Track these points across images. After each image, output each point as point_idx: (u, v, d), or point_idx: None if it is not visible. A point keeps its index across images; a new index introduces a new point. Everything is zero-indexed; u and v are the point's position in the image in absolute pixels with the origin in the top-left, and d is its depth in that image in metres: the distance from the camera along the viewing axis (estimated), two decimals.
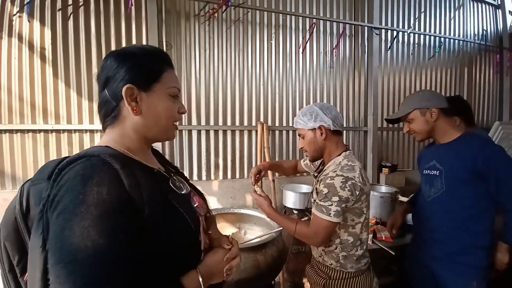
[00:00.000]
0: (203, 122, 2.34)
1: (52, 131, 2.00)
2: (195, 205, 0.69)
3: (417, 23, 3.04)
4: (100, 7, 2.05)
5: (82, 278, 0.43)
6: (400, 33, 2.93)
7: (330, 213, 1.00)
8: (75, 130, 2.04)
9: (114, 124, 0.64)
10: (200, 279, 0.60)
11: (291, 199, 2.27)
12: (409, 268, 1.48)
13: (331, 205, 1.01)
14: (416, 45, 3.04)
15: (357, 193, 1.03)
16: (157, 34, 2.12)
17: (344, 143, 1.22)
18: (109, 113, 0.63)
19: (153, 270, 0.54)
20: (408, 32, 2.91)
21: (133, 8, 2.07)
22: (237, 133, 2.45)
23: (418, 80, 3.10)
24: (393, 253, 1.73)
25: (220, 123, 2.40)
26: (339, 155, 1.14)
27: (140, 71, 0.62)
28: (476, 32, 3.37)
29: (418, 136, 1.35)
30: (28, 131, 1.95)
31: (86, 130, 2.06)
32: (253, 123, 2.48)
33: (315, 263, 1.24)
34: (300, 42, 2.56)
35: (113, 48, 2.09)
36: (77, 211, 0.46)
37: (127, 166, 0.55)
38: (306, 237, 1.09)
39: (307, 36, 2.55)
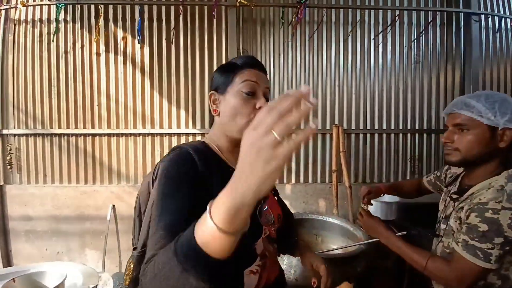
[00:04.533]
0: None
1: (148, 134, 2.29)
2: (265, 210, 0.74)
3: None
4: (187, 23, 2.27)
5: (157, 218, 0.58)
6: (504, 20, 2.42)
7: (491, 259, 0.77)
8: (165, 134, 2.30)
9: (213, 125, 0.79)
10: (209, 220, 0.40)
11: (371, 209, 2.08)
12: None
13: (492, 248, 0.77)
14: None
15: None
16: (236, 42, 2.23)
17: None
18: (210, 115, 0.80)
19: None
20: None
21: (214, 20, 2.23)
22: (311, 137, 2.39)
23: None
24: None
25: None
26: (499, 174, 0.86)
27: (219, 79, 0.74)
28: None
29: None
30: (131, 135, 2.28)
31: (174, 134, 2.30)
32: (328, 126, 2.38)
33: None
34: (381, 38, 2.36)
35: (197, 58, 2.29)
36: (162, 181, 0.63)
37: (204, 157, 0.68)
38: (442, 278, 0.86)
39: (388, 30, 2.33)
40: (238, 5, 2.14)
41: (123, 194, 2.23)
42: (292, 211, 2.29)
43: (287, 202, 2.34)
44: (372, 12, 2.36)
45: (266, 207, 0.76)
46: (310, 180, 2.41)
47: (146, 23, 2.26)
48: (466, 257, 0.80)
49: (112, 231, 1.85)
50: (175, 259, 0.42)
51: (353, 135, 2.41)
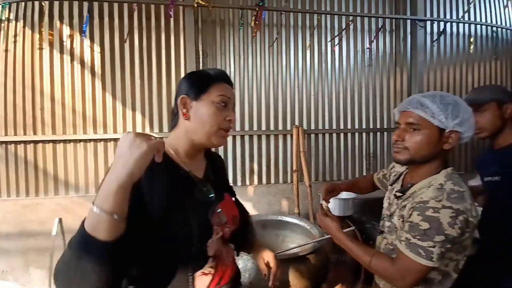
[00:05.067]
0: (238, 128, 2.35)
1: (100, 140, 2.14)
2: (217, 211, 0.77)
3: (466, 13, 2.75)
4: (142, 22, 2.17)
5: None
6: (448, 25, 2.67)
7: (432, 257, 0.77)
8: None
9: (174, 128, 0.80)
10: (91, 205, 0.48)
11: (329, 206, 2.16)
12: (472, 281, 1.28)
13: (433, 246, 0.77)
14: (466, 37, 2.75)
15: (468, 230, 0.79)
16: (194, 44, 2.18)
17: None
18: (173, 118, 0.81)
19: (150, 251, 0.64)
20: (457, 22, 2.64)
21: (171, 20, 2.15)
22: (272, 138, 2.42)
23: (470, 74, 2.80)
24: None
25: (255, 128, 2.38)
26: (437, 172, 0.88)
27: (192, 84, 0.77)
28: None
29: (483, 133, 1.18)
30: (80, 141, 2.12)
31: None
32: (288, 127, 2.42)
33: None
34: (337, 42, 2.46)
35: (154, 59, 2.19)
36: None
37: (151, 162, 0.64)
38: (386, 276, 0.86)
39: (343, 35, 2.45)
40: (195, 5, 2.09)
41: (71, 205, 2.05)
42: (255, 213, 2.31)
43: (250, 204, 2.37)
44: (328, 17, 2.46)
45: (220, 209, 0.78)
46: (272, 181, 2.43)
47: (96, 21, 2.11)
48: (409, 256, 0.81)
49: (60, 247, 1.70)
50: (69, 251, 0.48)
51: (313, 135, 2.48)
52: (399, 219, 0.91)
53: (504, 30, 2.86)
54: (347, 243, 0.95)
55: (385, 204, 1.08)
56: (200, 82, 0.76)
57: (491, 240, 1.23)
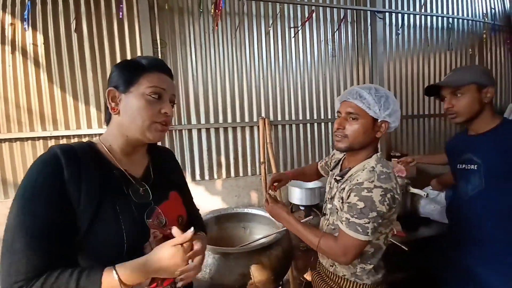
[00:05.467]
0: (202, 121, 2.29)
1: (51, 137, 1.97)
2: (156, 212, 0.73)
3: (423, 5, 2.87)
4: (91, 10, 2.00)
5: (5, 245, 0.57)
6: (406, 16, 2.78)
7: (368, 232, 0.87)
8: (73, 136, 2.02)
9: (108, 123, 0.75)
10: (115, 276, 0.59)
11: (296, 196, 2.20)
12: (441, 268, 1.35)
13: (368, 222, 0.86)
14: (423, 28, 2.88)
15: (394, 206, 0.90)
16: (150, 33, 2.06)
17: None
18: (106, 112, 0.75)
19: (82, 256, 0.63)
20: (414, 14, 2.75)
21: (124, 8, 2.01)
22: (239, 130, 2.39)
23: (427, 65, 2.95)
24: (406, 249, 1.65)
25: (221, 120, 2.34)
26: (370, 157, 0.98)
27: (120, 76, 0.71)
28: (485, 12, 3.17)
29: (459, 117, 1.16)
30: (27, 139, 1.94)
31: (84, 135, 2.03)
32: (254, 119, 2.41)
33: (323, 271, 1.13)
34: (300, 33, 2.46)
35: (106, 50, 2.04)
36: (20, 193, 0.60)
37: (78, 160, 0.64)
38: (331, 254, 0.94)
39: (306, 25, 2.45)
40: None
41: None
42: (225, 206, 2.29)
43: (219, 198, 2.35)
44: (291, 6, 2.44)
45: (159, 210, 0.74)
46: (241, 173, 2.42)
47: (38, 7, 1.91)
48: (349, 234, 0.89)
49: None
50: None
51: (279, 126, 2.49)
52: (339, 201, 1.00)
53: (460, 20, 3.02)
54: (297, 226, 1.01)
55: (327, 188, 1.17)
56: (129, 73, 0.71)
57: (459, 226, 1.27)
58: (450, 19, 2.95)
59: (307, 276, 2.01)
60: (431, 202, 2.05)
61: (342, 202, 0.96)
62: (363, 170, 0.95)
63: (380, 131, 0.98)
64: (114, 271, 0.59)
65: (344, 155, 1.13)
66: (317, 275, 1.16)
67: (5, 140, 1.91)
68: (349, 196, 0.92)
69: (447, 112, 1.19)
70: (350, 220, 0.89)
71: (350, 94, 0.98)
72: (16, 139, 1.92)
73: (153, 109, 0.70)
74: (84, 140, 1.98)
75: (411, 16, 2.81)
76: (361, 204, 0.88)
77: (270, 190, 1.16)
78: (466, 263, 1.22)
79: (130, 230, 0.66)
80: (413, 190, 2.01)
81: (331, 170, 1.19)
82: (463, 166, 1.23)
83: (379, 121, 0.96)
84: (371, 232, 0.87)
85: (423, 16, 2.83)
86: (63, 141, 2.00)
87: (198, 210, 0.99)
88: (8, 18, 1.87)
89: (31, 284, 0.55)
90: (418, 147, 3.01)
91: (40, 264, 0.56)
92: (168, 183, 0.83)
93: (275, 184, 1.25)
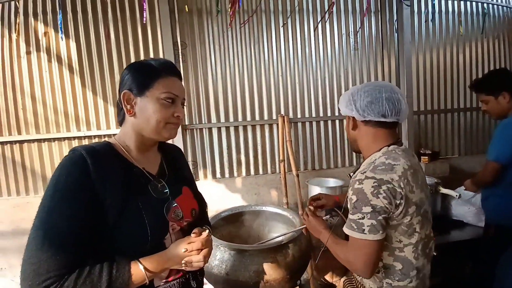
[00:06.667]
0: (222, 119, 2.32)
1: (84, 137, 2.14)
2: (173, 206, 0.76)
3: None
4: (117, 16, 2.12)
5: (34, 243, 0.59)
6: (436, 2, 2.57)
7: (364, 229, 0.78)
8: (104, 135, 2.17)
9: (122, 123, 0.78)
10: (141, 267, 0.65)
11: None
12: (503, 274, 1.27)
13: (362, 218, 0.79)
14: (456, 14, 2.65)
15: (398, 202, 0.79)
16: (171, 35, 2.13)
17: (394, 135, 0.94)
18: (119, 113, 0.78)
19: (108, 253, 0.66)
20: None
21: (146, 12, 2.10)
22: (258, 128, 2.39)
23: (461, 54, 2.71)
24: (435, 253, 1.55)
25: (240, 118, 2.36)
26: (379, 150, 0.90)
27: (134, 79, 0.73)
28: None
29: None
30: (64, 138, 2.12)
31: (114, 135, 2.16)
32: (274, 117, 2.39)
33: (355, 280, 1.04)
34: (320, 27, 2.39)
35: (131, 54, 2.16)
36: (50, 192, 0.62)
37: (102, 160, 0.67)
38: (346, 262, 0.87)
39: (326, 18, 2.37)
40: None
41: None
42: (244, 204, 2.32)
43: (239, 195, 2.38)
44: (310, 0, 2.37)
45: (175, 204, 0.78)
46: (260, 171, 2.43)
47: (69, 15, 2.07)
48: (347, 233, 0.83)
49: None
50: None
51: (299, 124, 2.45)
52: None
53: (495, 6, 2.74)
54: (330, 243, 0.96)
55: None
56: (143, 77, 0.73)
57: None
58: (485, 4, 2.67)
59: (328, 278, 1.98)
60: (465, 204, 1.89)
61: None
62: (365, 164, 0.91)
63: (357, 126, 0.95)
64: (139, 264, 0.65)
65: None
66: (348, 283, 1.09)
67: (44, 140, 2.10)
68: (348, 191, 0.88)
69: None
70: (348, 217, 0.84)
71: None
72: (54, 139, 2.11)
73: (167, 112, 0.73)
74: None
75: (442, 1, 2.59)
76: (354, 198, 0.81)
77: (310, 206, 1.15)
78: None
79: (153, 224, 0.69)
80: (444, 190, 1.87)
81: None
82: None
83: (358, 118, 0.94)
84: (368, 230, 0.78)
85: (455, 1, 2.60)
86: (95, 140, 2.15)
87: (207, 205, 1.02)
88: (41, 27, 2.05)
89: (63, 280, 0.58)
90: (452, 145, 2.79)
91: (72, 261, 0.59)
92: (180, 178, 0.87)
93: (315, 202, 1.20)
